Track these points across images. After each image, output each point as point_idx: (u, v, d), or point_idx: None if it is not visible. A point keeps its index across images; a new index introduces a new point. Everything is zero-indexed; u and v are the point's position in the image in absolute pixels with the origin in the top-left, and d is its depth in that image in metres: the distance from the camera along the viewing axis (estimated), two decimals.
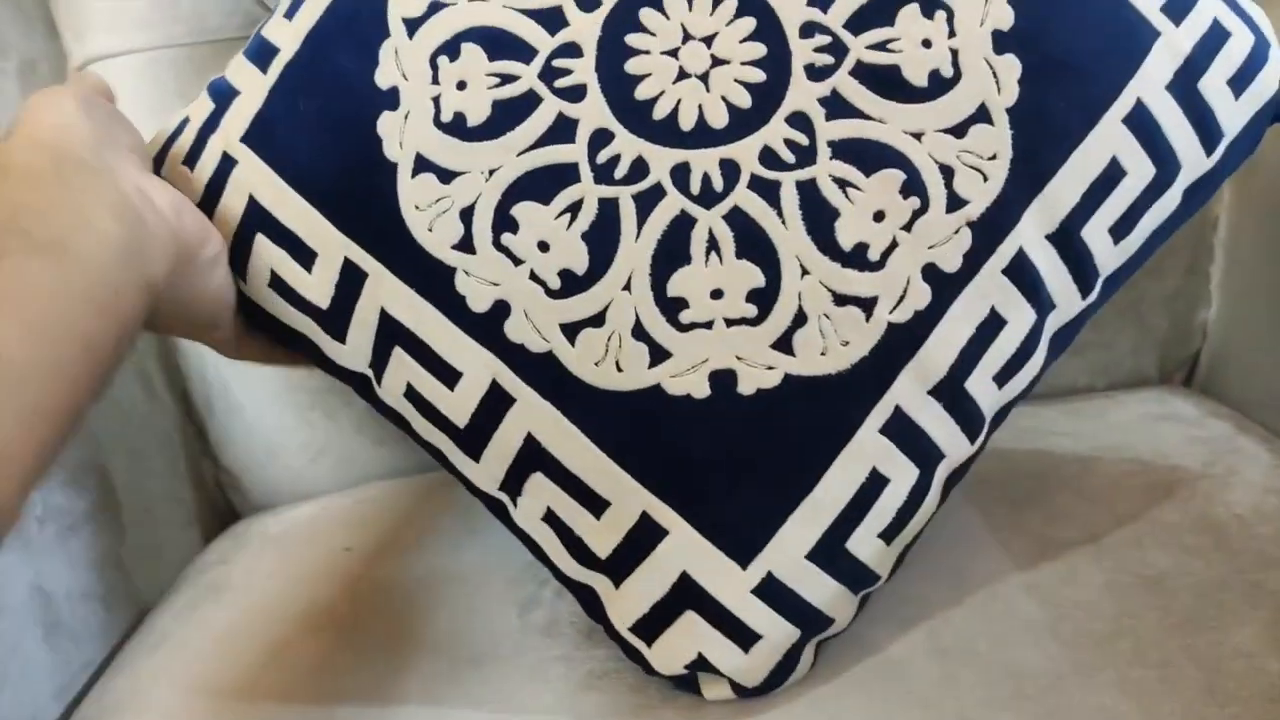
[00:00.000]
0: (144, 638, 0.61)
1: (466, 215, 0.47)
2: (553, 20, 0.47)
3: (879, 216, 0.46)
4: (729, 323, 0.45)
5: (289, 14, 0.51)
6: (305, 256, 0.49)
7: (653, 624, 0.47)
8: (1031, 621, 0.50)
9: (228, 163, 0.49)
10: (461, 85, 0.47)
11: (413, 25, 0.48)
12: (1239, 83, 0.49)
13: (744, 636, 0.46)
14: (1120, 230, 0.48)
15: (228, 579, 0.65)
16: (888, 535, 0.47)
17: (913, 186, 0.46)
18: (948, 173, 0.46)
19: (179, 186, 0.50)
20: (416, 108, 0.47)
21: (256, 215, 0.49)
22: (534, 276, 0.46)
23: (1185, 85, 0.48)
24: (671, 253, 0.46)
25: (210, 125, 0.50)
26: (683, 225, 0.46)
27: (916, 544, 0.50)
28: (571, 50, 0.47)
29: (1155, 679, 0.46)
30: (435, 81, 0.47)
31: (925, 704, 0.46)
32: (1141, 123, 0.47)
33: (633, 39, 0.47)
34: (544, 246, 0.46)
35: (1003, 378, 0.48)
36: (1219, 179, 0.50)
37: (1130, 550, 0.54)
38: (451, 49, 0.47)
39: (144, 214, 0.42)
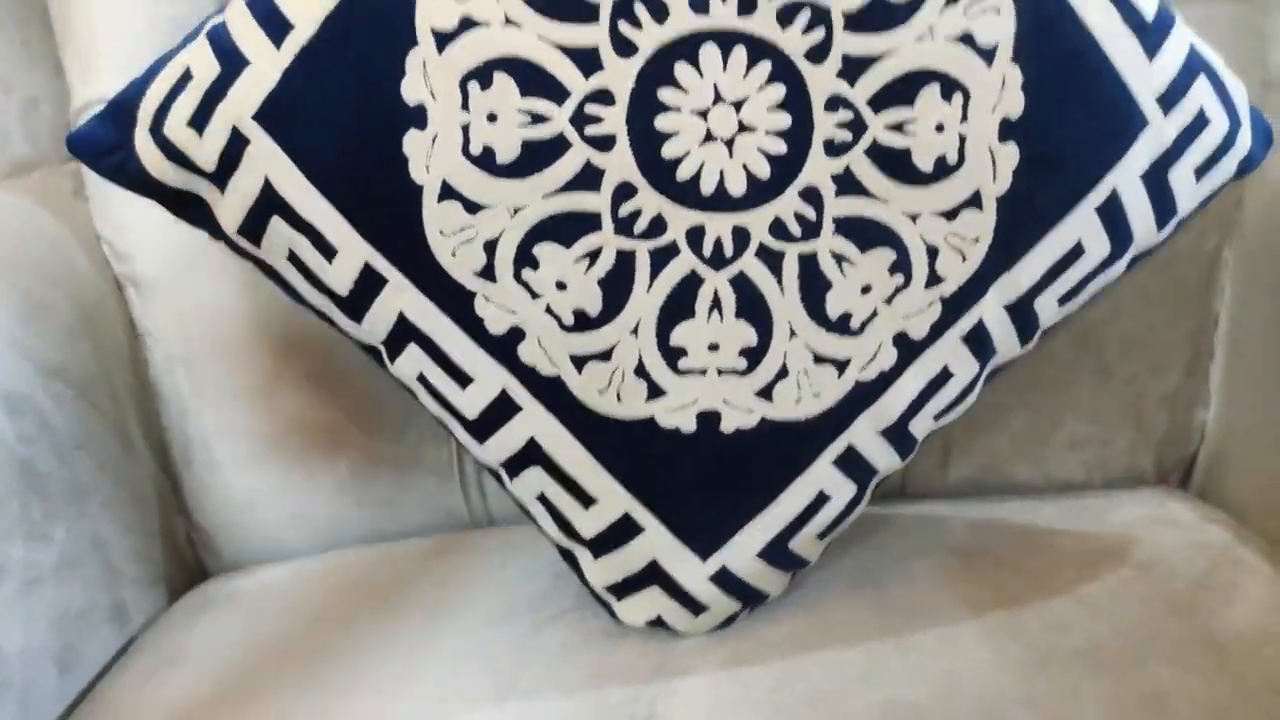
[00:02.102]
0: (94, 705, 0.59)
1: (490, 247, 0.49)
2: (588, 61, 0.47)
3: (866, 289, 0.51)
4: (720, 372, 0.51)
5: None
6: (326, 249, 0.51)
7: (622, 589, 0.56)
8: None
9: (239, 139, 0.50)
10: (492, 118, 0.48)
11: (442, 40, 0.47)
12: (1205, 169, 0.54)
13: (696, 608, 0.56)
14: (1068, 298, 0.54)
15: (188, 645, 0.62)
16: (824, 535, 0.57)
17: (900, 264, 0.50)
18: (933, 253, 0.51)
19: (186, 148, 0.50)
20: (445, 133, 0.48)
21: (273, 200, 0.50)
22: (550, 310, 0.50)
23: (1158, 174, 0.52)
24: (678, 306, 0.50)
25: (217, 92, 0.49)
26: (691, 283, 0.50)
27: (909, 643, 0.53)
28: (604, 97, 0.47)
29: None
30: (465, 108, 0.48)
31: None
32: (1111, 210, 0.52)
33: (665, 94, 0.47)
34: (561, 286, 0.50)
35: (942, 415, 0.56)
36: (1161, 248, 0.56)
37: (1132, 667, 0.51)
38: (484, 76, 0.47)
39: None
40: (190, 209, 0.53)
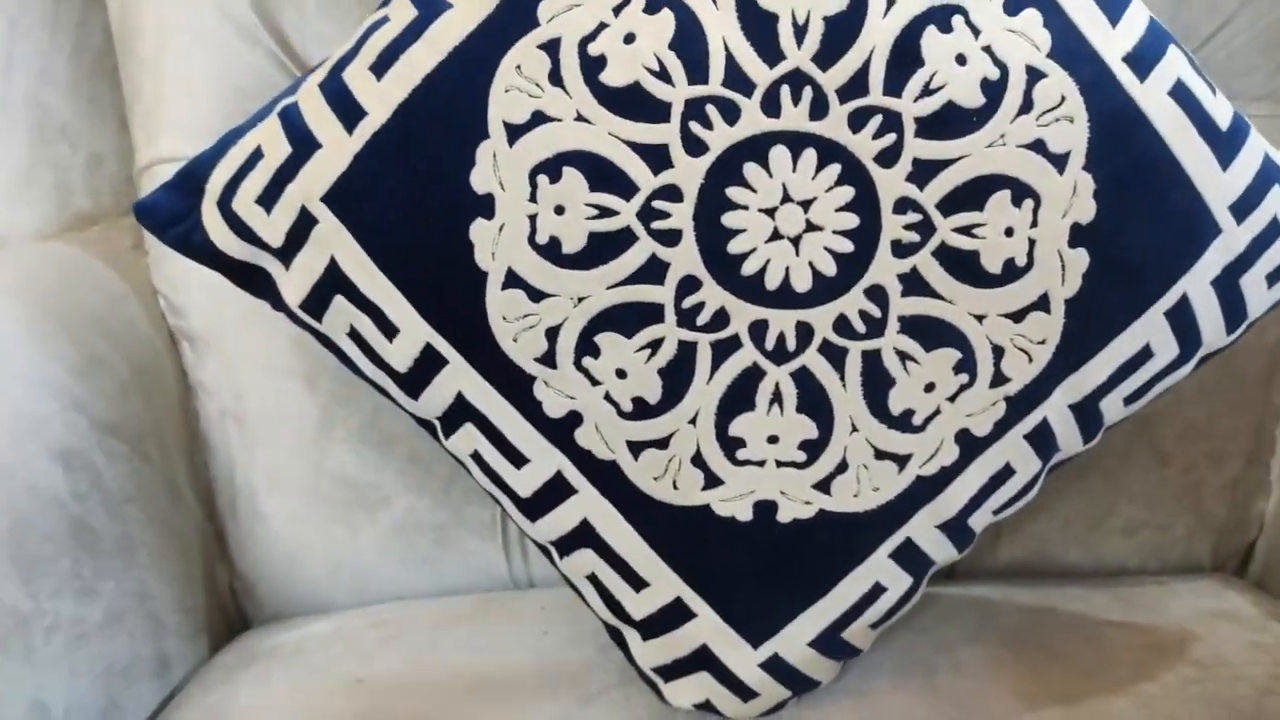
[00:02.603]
0: None
1: (552, 334, 0.49)
2: (657, 158, 0.47)
3: (929, 388, 0.50)
4: (779, 463, 0.51)
5: (376, 70, 0.49)
6: (387, 328, 0.51)
7: (670, 671, 0.56)
8: None
9: (307, 218, 0.50)
10: (560, 210, 0.48)
11: (514, 132, 0.47)
12: (1277, 276, 0.53)
13: (746, 694, 0.55)
14: (1134, 398, 0.54)
15: (228, 703, 0.62)
16: (877, 625, 0.56)
17: (965, 364, 0.50)
18: (998, 352, 0.50)
19: (253, 223, 0.51)
20: (512, 222, 0.48)
21: (338, 278, 0.51)
22: (609, 398, 0.50)
23: (1229, 280, 0.52)
24: (738, 398, 0.50)
25: (287, 172, 0.50)
26: (752, 376, 0.49)
27: None
28: (672, 194, 0.47)
29: None
30: (533, 199, 0.48)
31: None
32: (1181, 314, 0.51)
33: (733, 192, 0.47)
34: (622, 374, 0.50)
35: (1002, 510, 0.55)
36: (1230, 347, 0.55)
37: None
38: (553, 170, 0.47)
39: None
40: (254, 281, 0.53)
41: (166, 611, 0.65)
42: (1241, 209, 0.50)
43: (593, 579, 0.55)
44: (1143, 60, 0.49)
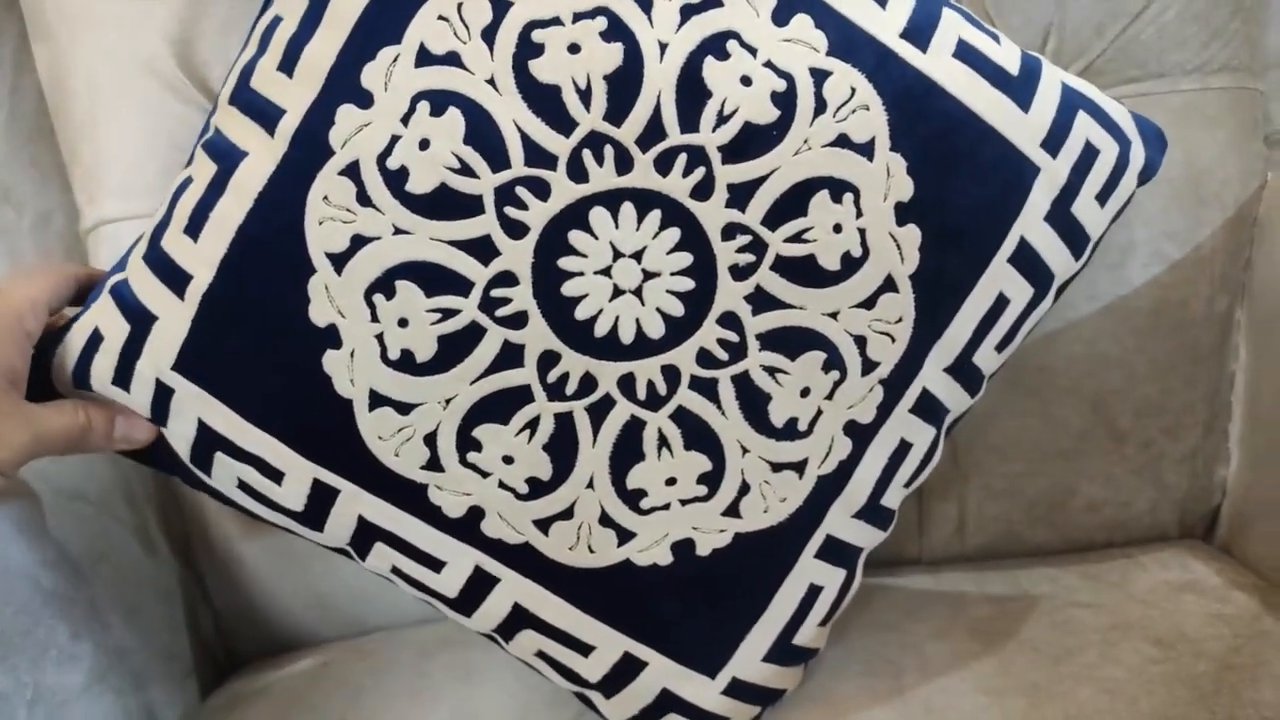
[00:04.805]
0: None
1: (430, 440, 0.50)
2: (483, 250, 0.48)
3: (805, 393, 0.51)
4: (684, 502, 0.52)
5: (190, 232, 0.49)
6: (272, 473, 0.51)
7: (643, 719, 0.57)
8: None
9: (164, 390, 0.50)
10: (403, 323, 0.48)
11: (338, 261, 0.48)
12: (1106, 193, 0.54)
13: None
14: (1004, 343, 0.55)
15: None
16: (825, 622, 0.57)
17: (833, 362, 0.51)
18: (861, 342, 0.51)
19: (118, 406, 0.50)
20: (361, 346, 0.48)
21: (211, 438, 0.51)
22: (503, 485, 0.51)
23: (1061, 211, 0.53)
24: (627, 452, 0.50)
25: (132, 349, 0.50)
26: (634, 428, 0.50)
27: None
28: (507, 279, 0.48)
29: None
30: (375, 319, 0.48)
31: None
32: (1024, 257, 0.53)
33: (565, 262, 0.48)
34: (508, 460, 0.50)
35: (911, 481, 0.56)
36: (1082, 269, 0.57)
37: None
38: (386, 286, 0.48)
39: None
40: (156, 456, 0.53)
41: (150, 662, 0.66)
42: (1053, 143, 0.52)
43: (542, 655, 0.55)
44: (920, 31, 0.50)
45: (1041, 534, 0.70)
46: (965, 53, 0.50)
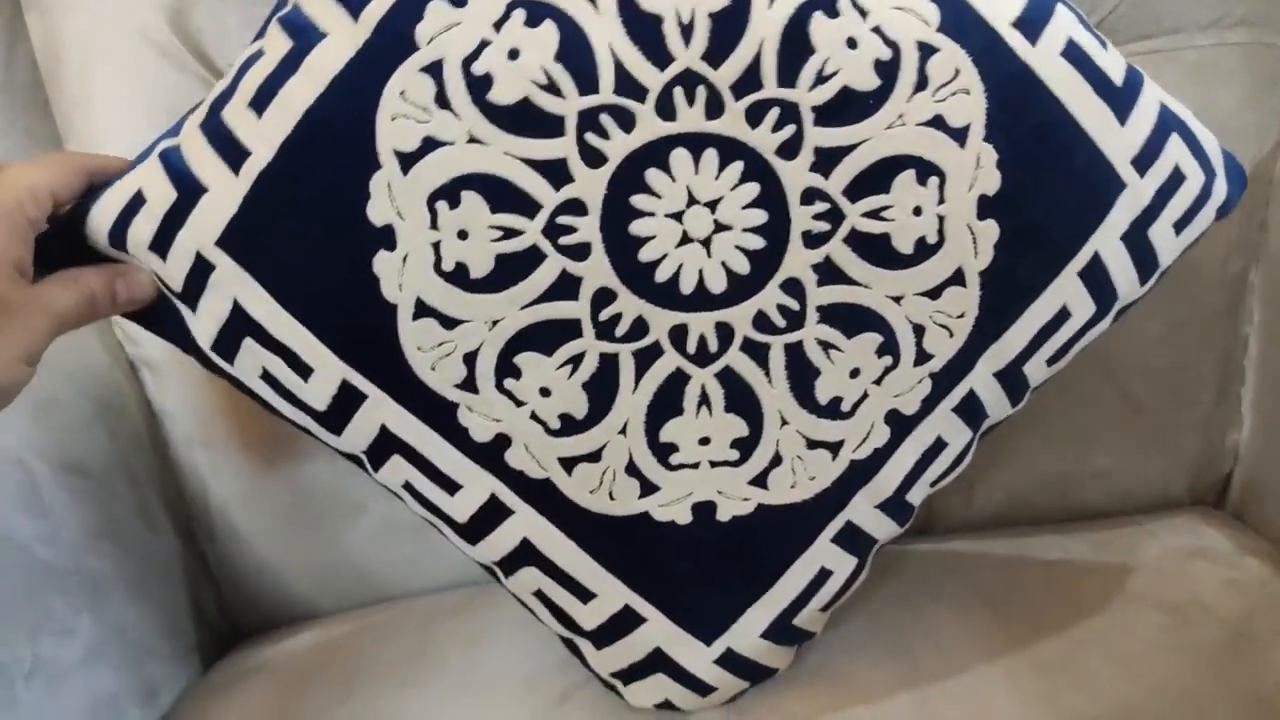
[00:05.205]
0: None
1: (470, 359, 0.48)
2: (557, 173, 0.46)
3: (854, 374, 0.50)
4: (713, 464, 0.51)
5: (255, 106, 0.47)
6: (301, 368, 0.50)
7: (628, 675, 0.56)
8: None
9: (203, 265, 0.48)
10: (463, 235, 0.46)
11: (407, 161, 0.46)
12: (1184, 223, 0.53)
13: (703, 689, 0.56)
14: (1056, 358, 0.54)
15: None
16: (827, 608, 0.56)
17: (887, 347, 0.50)
18: (919, 331, 0.50)
19: (152, 268, 0.49)
20: (415, 252, 0.47)
21: (244, 322, 0.49)
22: (535, 417, 0.49)
23: (1138, 233, 0.52)
24: (665, 404, 0.49)
25: (176, 218, 0.48)
26: (677, 381, 0.49)
27: (937, 714, 0.53)
28: (576, 207, 0.46)
29: None
30: (434, 227, 0.46)
31: None
32: (1094, 273, 0.52)
33: (638, 200, 0.46)
34: (545, 392, 0.49)
35: (938, 481, 0.56)
36: (1145, 297, 0.56)
37: None
38: (451, 195, 0.46)
39: None
40: (165, 324, 0.51)
41: (150, 638, 0.66)
42: (1143, 162, 0.51)
43: (540, 595, 0.55)
44: (1032, 23, 0.48)
45: (1050, 501, 0.69)
46: (1073, 53, 0.49)
